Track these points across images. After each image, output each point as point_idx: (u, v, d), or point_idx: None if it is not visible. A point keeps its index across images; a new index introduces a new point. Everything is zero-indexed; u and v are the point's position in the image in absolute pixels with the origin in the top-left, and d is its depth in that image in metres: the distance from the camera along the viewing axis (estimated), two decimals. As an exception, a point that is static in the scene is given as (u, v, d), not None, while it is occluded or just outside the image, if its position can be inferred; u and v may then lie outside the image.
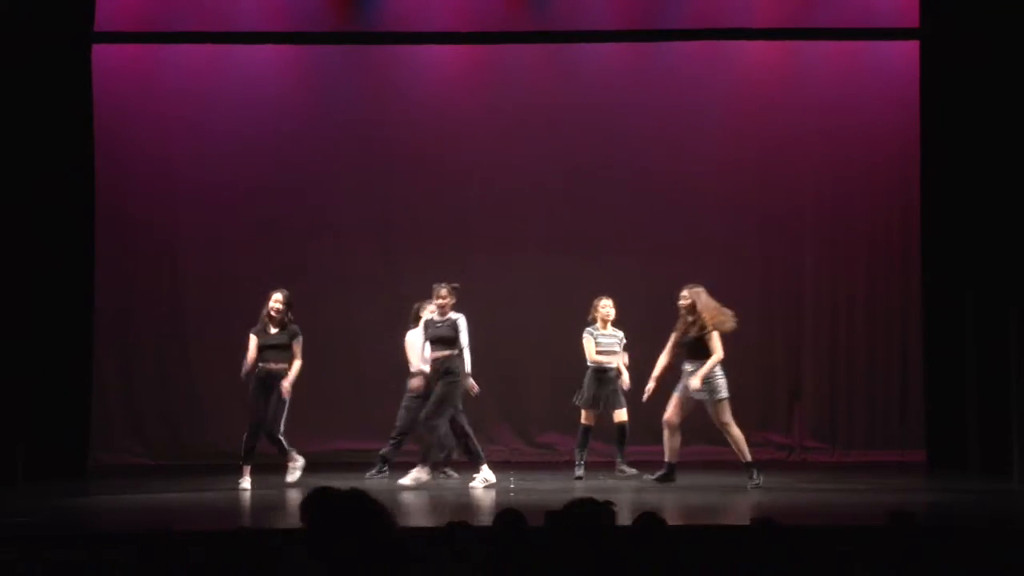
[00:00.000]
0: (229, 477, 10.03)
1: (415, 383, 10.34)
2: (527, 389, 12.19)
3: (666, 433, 9.97)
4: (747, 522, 5.04)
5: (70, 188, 10.99)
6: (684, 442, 10.12)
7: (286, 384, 9.80)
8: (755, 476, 9.71)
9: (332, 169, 12.03)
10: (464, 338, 9.92)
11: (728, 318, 9.86)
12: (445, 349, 9.94)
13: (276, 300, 9.90)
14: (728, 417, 9.74)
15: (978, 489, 9.75)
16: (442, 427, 9.93)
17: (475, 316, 11.69)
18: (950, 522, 7.88)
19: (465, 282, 11.96)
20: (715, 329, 9.77)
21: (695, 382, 9.68)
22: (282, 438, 9.86)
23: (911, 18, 11.32)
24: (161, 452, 11.85)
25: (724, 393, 9.75)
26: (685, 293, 9.92)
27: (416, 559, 3.98)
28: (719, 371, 9.77)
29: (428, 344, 10.05)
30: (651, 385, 10.03)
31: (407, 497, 9.22)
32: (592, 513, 4.31)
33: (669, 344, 10.02)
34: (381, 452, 10.59)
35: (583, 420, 10.58)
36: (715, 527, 7.60)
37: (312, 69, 12.27)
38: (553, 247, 11.91)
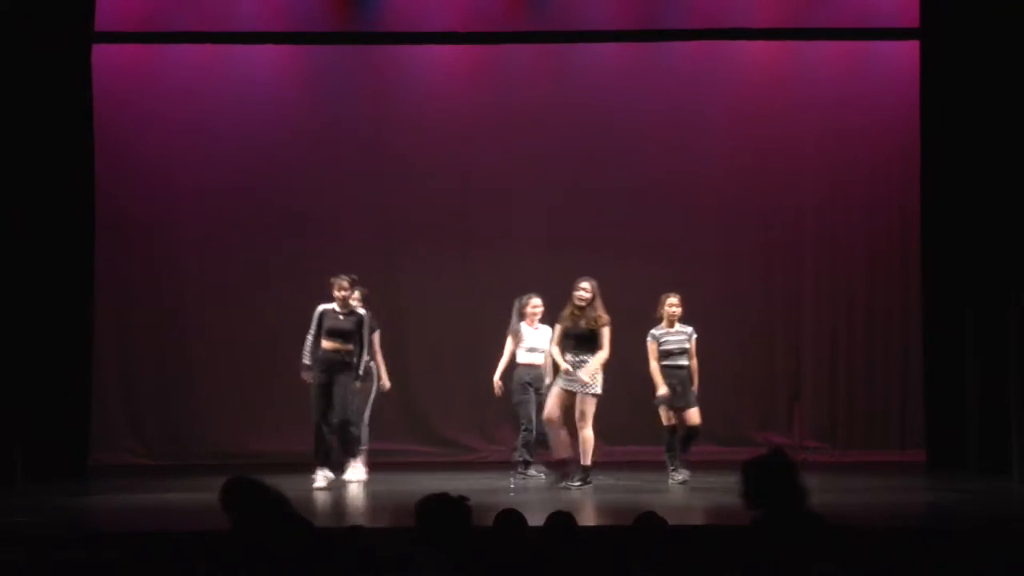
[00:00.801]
0: (229, 477, 9.98)
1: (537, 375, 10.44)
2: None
3: (550, 431, 9.87)
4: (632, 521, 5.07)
5: (70, 188, 10.97)
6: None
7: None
8: (580, 479, 9.55)
9: (332, 169, 12.02)
10: (366, 335, 9.97)
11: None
12: (344, 343, 9.94)
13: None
14: (591, 415, 9.59)
15: (978, 489, 9.73)
16: (353, 422, 10.03)
17: (475, 315, 11.75)
18: (950, 522, 7.89)
19: (465, 282, 12.03)
20: (607, 325, 9.73)
21: (584, 376, 9.58)
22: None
23: (911, 18, 11.31)
24: (161, 452, 11.84)
25: (599, 389, 9.67)
26: (587, 285, 9.80)
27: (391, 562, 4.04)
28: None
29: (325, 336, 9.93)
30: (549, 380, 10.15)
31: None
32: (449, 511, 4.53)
33: (556, 335, 9.95)
34: (516, 457, 10.46)
35: (664, 422, 10.09)
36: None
37: (312, 69, 12.26)
38: (553, 247, 11.89)
